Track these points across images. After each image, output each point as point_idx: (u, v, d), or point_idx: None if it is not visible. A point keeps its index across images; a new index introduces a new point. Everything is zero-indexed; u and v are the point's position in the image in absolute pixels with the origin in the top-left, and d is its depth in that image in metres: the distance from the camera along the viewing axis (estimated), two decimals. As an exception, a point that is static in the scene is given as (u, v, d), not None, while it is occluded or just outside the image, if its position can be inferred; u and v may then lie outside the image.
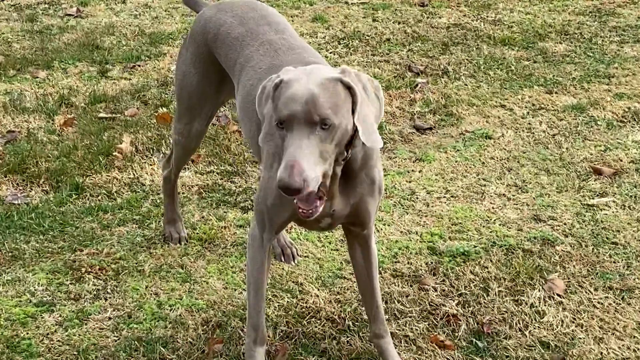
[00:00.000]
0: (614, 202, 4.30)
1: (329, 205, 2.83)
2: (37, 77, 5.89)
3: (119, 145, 4.85)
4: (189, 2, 3.90)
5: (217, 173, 4.66)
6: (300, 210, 2.59)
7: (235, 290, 3.70)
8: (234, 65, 3.37)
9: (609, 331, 3.41)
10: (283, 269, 3.82)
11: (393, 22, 6.74)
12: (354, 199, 2.89)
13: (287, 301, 3.55)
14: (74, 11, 7.11)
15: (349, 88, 2.56)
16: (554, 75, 5.76)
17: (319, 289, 3.66)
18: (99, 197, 4.44)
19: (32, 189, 4.51)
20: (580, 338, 3.33)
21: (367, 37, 6.51)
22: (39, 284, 3.73)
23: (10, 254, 3.95)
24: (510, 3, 7.13)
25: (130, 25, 6.87)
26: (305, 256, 3.87)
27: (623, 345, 3.32)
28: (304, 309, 3.49)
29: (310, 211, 2.56)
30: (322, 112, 2.49)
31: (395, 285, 3.70)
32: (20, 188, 4.53)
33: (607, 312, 3.50)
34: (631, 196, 4.35)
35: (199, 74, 3.55)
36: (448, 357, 3.25)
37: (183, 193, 4.47)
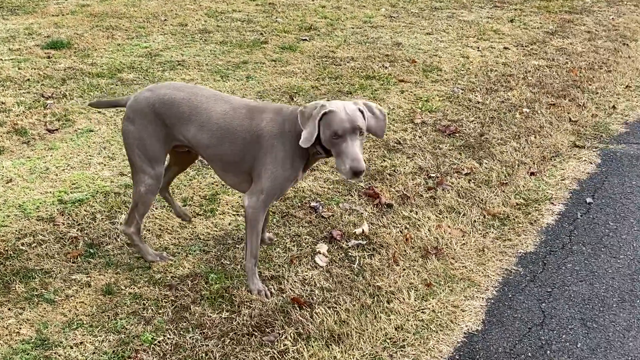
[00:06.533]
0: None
1: (302, 176, 3.24)
2: None
3: None
4: (110, 103, 3.67)
5: None
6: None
7: None
8: (188, 119, 3.17)
9: (162, 230, 3.98)
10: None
11: (31, 69, 6.37)
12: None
13: None
14: None
15: (361, 112, 2.92)
16: (126, 93, 5.80)
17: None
18: None
19: None
20: (148, 238, 3.71)
21: (14, 79, 6.13)
22: None
23: None
24: (100, 53, 7.01)
25: None
26: None
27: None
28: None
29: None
30: (359, 125, 2.86)
31: (35, 225, 3.80)
32: None
33: (163, 219, 4.00)
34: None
35: (150, 134, 3.24)
36: (73, 262, 3.51)
37: None
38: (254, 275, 3.34)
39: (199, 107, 3.20)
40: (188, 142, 3.28)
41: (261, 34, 8.11)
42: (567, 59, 7.59)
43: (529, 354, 3.04)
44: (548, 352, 3.05)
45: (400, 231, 3.98)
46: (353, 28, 8.55)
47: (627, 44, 8.29)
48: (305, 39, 7.94)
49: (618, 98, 6.49)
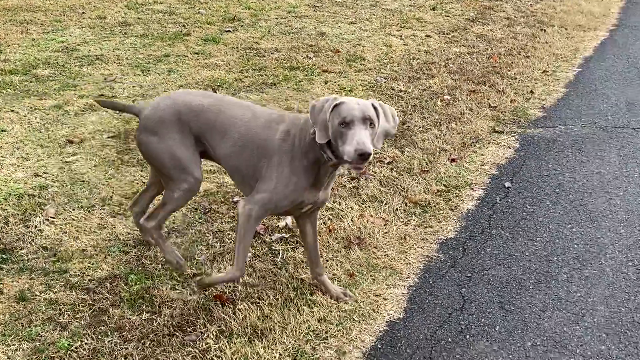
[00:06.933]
0: (82, 157, 4.52)
1: (316, 196, 2.98)
2: None
3: None
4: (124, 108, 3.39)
5: None
6: (356, 167, 2.67)
7: None
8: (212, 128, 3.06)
9: (82, 232, 3.79)
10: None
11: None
12: (326, 190, 3.04)
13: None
14: None
15: (375, 108, 2.77)
16: (41, 90, 5.78)
17: None
18: None
19: None
20: (65, 240, 3.60)
21: None
22: None
23: None
24: (13, 48, 6.74)
25: None
26: None
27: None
28: None
29: (363, 169, 2.70)
30: (369, 115, 2.71)
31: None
32: None
33: (81, 222, 3.89)
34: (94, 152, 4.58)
35: (179, 143, 3.10)
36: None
37: None
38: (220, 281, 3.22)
39: (225, 113, 3.09)
40: (211, 150, 3.15)
41: (183, 25, 7.97)
42: (487, 45, 7.76)
43: (449, 340, 3.10)
44: (467, 336, 3.12)
45: (324, 222, 3.99)
46: (277, 18, 8.50)
47: (545, 30, 8.54)
48: (229, 31, 7.85)
49: (536, 83, 6.68)
